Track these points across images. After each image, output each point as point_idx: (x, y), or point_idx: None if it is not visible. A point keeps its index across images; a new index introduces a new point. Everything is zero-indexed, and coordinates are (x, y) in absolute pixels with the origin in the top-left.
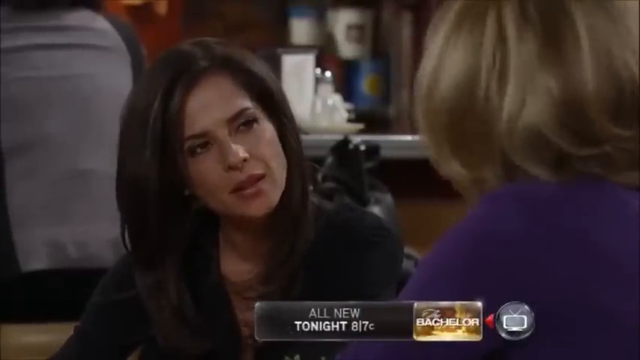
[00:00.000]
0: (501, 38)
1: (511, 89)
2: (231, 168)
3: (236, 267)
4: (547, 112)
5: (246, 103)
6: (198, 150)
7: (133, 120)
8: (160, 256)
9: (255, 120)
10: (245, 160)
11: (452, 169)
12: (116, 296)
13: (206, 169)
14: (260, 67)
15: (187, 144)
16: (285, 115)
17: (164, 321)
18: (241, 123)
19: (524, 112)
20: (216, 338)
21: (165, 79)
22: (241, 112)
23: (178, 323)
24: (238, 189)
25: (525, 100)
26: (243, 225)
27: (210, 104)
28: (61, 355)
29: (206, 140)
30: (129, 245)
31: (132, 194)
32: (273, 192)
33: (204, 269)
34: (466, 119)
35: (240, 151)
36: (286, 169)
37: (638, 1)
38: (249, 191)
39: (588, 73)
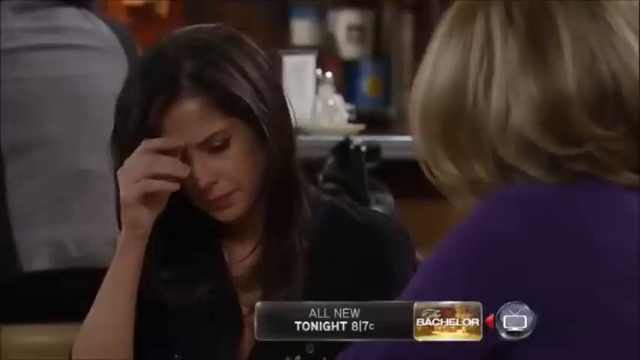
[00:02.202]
0: (488, 42)
1: (496, 94)
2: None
3: (236, 247)
4: (530, 116)
5: (219, 125)
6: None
7: (117, 119)
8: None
9: (227, 141)
10: (215, 182)
11: (445, 171)
12: None
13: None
14: (238, 78)
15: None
16: (265, 122)
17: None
18: (215, 144)
19: (510, 116)
20: (214, 308)
21: (143, 94)
22: (212, 136)
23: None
24: (210, 200)
25: (510, 105)
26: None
27: (182, 127)
28: None
29: (182, 155)
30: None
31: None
32: (244, 202)
33: (206, 250)
34: (458, 123)
35: (207, 176)
36: (264, 175)
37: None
38: (219, 202)
39: (569, 75)
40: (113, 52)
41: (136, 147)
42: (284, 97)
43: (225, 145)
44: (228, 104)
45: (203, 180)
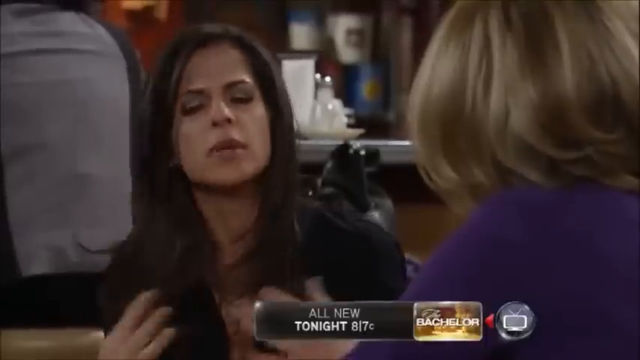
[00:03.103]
0: (487, 46)
1: (494, 97)
2: (214, 124)
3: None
4: (529, 119)
5: (244, 75)
6: (192, 106)
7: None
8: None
9: (250, 98)
10: (230, 121)
11: (444, 175)
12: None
13: (193, 126)
14: (269, 57)
15: (182, 99)
16: (281, 105)
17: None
18: (237, 95)
19: (509, 120)
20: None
21: (176, 40)
22: (240, 82)
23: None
24: (216, 149)
25: (509, 109)
26: (218, 196)
27: (212, 67)
28: None
29: (201, 100)
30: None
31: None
32: (247, 163)
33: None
34: (457, 127)
35: (225, 111)
36: (270, 153)
37: (626, 1)
38: (224, 153)
39: (568, 79)
40: (112, 56)
41: (164, 89)
42: (290, 100)
43: (247, 100)
44: (257, 67)
45: (219, 113)
